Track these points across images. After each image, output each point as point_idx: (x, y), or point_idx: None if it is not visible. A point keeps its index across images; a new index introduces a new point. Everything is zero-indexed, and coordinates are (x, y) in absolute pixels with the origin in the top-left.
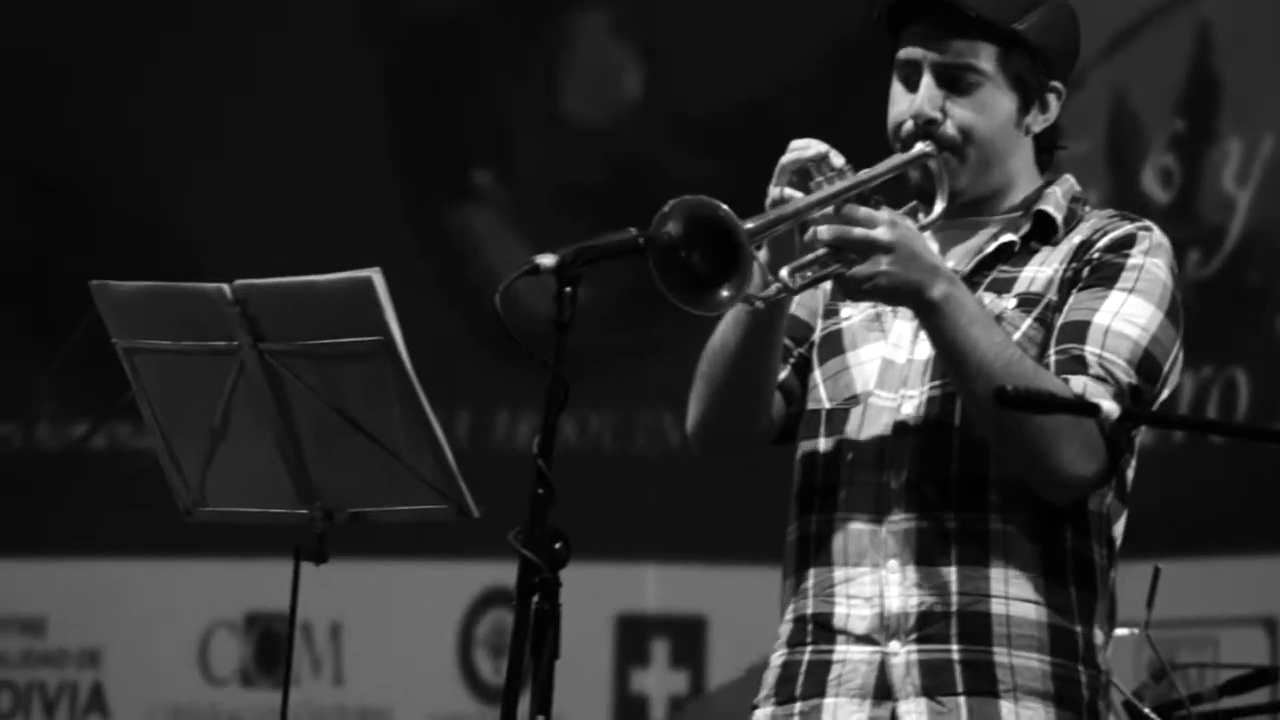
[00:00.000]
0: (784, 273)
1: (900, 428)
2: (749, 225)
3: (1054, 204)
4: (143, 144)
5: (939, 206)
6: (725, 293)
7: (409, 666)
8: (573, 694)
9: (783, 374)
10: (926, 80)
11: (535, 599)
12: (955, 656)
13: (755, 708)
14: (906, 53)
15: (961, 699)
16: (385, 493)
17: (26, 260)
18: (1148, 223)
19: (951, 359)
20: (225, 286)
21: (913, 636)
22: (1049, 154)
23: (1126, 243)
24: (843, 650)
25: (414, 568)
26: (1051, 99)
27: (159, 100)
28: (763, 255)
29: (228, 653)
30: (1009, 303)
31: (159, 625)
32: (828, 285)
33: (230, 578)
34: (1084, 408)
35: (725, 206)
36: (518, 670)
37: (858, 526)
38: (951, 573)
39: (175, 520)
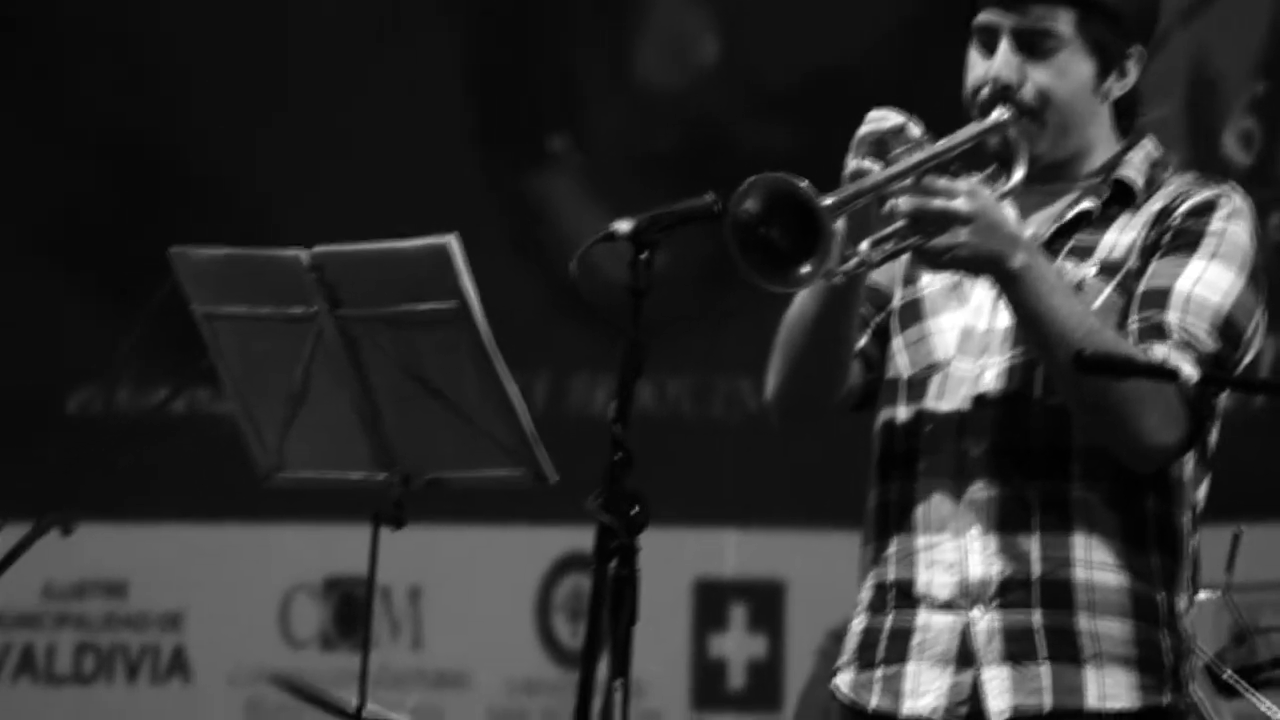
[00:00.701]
0: (863, 246)
1: (981, 396)
2: (828, 201)
3: (1134, 169)
4: (217, 108)
5: (1018, 173)
6: (805, 269)
7: (487, 631)
8: (651, 658)
9: (861, 341)
10: (1004, 45)
11: (613, 564)
12: (1038, 623)
13: (836, 672)
14: (984, 18)
15: (1044, 665)
16: (462, 458)
17: (103, 226)
18: (1229, 187)
19: (1032, 328)
20: (303, 253)
21: (995, 603)
22: (1129, 119)
23: (1207, 208)
24: (925, 617)
25: (492, 532)
26: (1131, 63)
27: (231, 64)
28: (841, 227)
29: (308, 616)
30: (1089, 270)
31: (240, 589)
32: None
33: (309, 542)
34: (1163, 373)
35: (805, 183)
36: (596, 634)
37: (939, 494)
38: (1033, 540)
39: (255, 484)
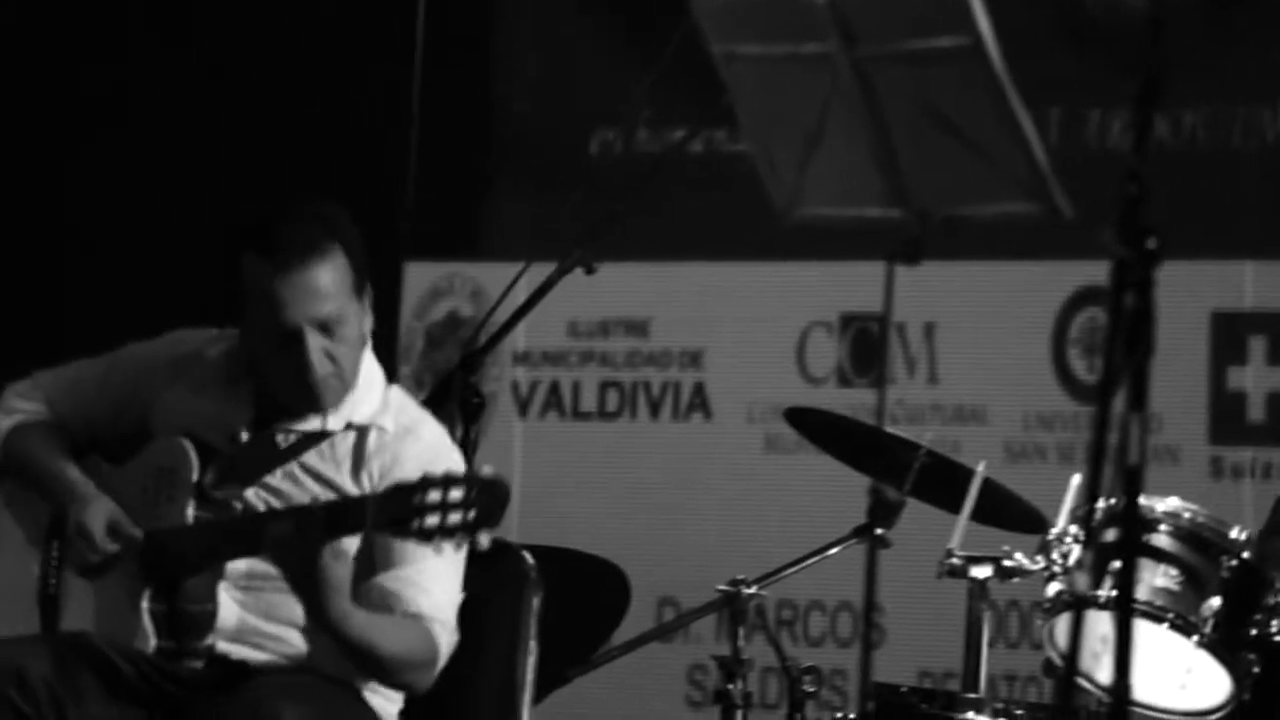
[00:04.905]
0: None
1: None
2: None
3: None
4: None
5: None
6: None
7: (1003, 365)
8: (1168, 391)
9: None
10: None
11: (1130, 297)
12: None
13: None
14: None
15: None
16: (977, 194)
17: None
18: None
19: None
20: None
21: None
22: None
23: None
24: None
25: (1007, 268)
26: None
27: None
28: None
29: (824, 353)
30: None
31: (757, 326)
32: None
33: (826, 279)
34: None
35: None
36: (1113, 368)
37: None
38: None
39: (772, 223)
